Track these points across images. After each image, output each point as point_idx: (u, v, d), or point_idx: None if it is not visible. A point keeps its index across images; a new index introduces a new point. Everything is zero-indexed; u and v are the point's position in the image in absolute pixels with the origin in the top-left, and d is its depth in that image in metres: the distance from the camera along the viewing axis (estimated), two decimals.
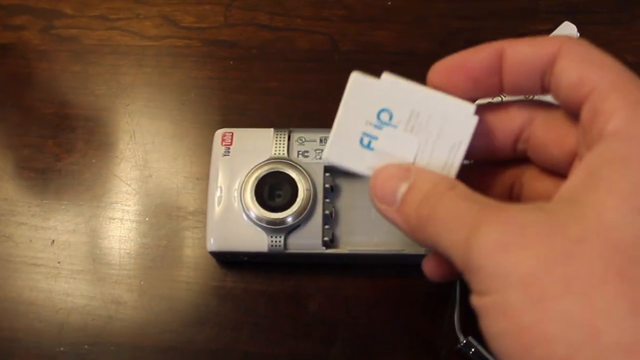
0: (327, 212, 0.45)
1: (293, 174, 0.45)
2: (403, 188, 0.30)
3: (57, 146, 0.52)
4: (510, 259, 0.25)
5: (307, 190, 0.45)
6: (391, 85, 0.32)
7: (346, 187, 0.47)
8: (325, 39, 0.54)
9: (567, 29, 0.52)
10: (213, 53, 0.54)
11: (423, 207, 0.29)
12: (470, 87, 0.31)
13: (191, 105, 0.52)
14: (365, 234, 0.46)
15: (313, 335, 0.46)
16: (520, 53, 0.30)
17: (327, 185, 0.46)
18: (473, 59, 0.31)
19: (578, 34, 0.52)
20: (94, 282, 0.48)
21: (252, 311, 0.47)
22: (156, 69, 0.54)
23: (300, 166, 0.46)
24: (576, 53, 0.29)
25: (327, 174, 0.46)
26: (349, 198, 0.47)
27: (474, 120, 0.31)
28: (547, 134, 0.31)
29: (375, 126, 0.32)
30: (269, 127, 0.47)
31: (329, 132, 0.46)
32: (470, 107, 0.31)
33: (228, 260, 0.48)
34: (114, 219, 0.50)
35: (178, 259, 0.49)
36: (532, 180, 0.33)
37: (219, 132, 0.48)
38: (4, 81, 0.54)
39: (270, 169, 0.45)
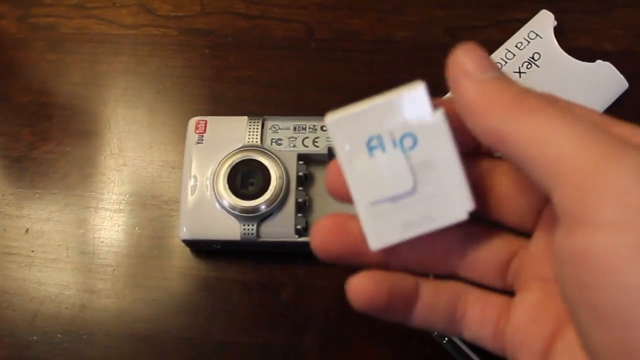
0: (300, 200, 0.45)
1: (266, 161, 0.45)
2: (495, 71, 0.27)
3: (32, 134, 0.51)
4: None
5: (279, 178, 0.45)
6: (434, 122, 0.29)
7: (320, 176, 0.47)
8: (301, 27, 0.53)
9: (545, 17, 0.52)
10: (189, 42, 0.54)
11: (527, 97, 0.25)
12: None
13: (167, 94, 0.52)
14: None
15: (287, 324, 0.46)
16: None
17: (300, 174, 0.45)
18: None
19: (555, 22, 0.51)
20: (68, 271, 0.48)
21: (225, 300, 0.47)
22: (132, 57, 0.53)
23: (274, 154, 0.45)
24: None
25: (300, 162, 0.46)
26: (323, 186, 0.46)
27: (463, 216, 0.29)
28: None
29: (393, 141, 0.29)
30: (245, 115, 0.47)
31: (303, 120, 0.46)
32: (471, 205, 0.29)
33: (201, 248, 0.48)
34: (88, 208, 0.49)
35: (153, 247, 0.48)
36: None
37: (193, 120, 0.47)
38: None
39: (243, 156, 0.45)
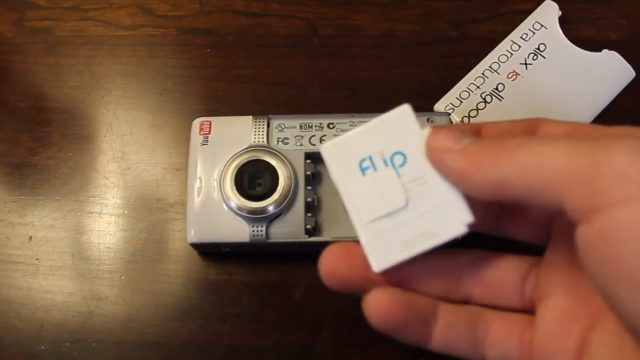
0: (309, 199, 0.44)
1: (273, 161, 0.44)
2: (469, 137, 0.29)
3: (32, 140, 0.50)
4: None
5: (287, 177, 0.44)
6: (422, 140, 0.31)
7: (328, 174, 0.46)
8: (303, 23, 0.53)
9: (549, 7, 0.51)
10: (190, 41, 0.53)
11: (507, 140, 0.27)
12: None
13: (169, 95, 0.51)
14: (348, 221, 0.44)
15: (299, 325, 0.46)
16: None
17: (308, 173, 0.45)
18: None
19: (560, 13, 0.51)
20: (74, 278, 0.47)
21: (236, 303, 0.46)
22: (132, 59, 0.52)
23: (281, 153, 0.45)
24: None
25: (308, 161, 0.45)
26: (331, 185, 0.45)
27: (462, 229, 0.30)
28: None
29: (384, 160, 0.31)
30: (249, 114, 0.46)
31: (309, 118, 0.46)
32: (469, 217, 0.30)
33: (210, 251, 0.47)
34: (92, 213, 0.49)
35: (159, 251, 0.48)
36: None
37: (197, 121, 0.47)
38: None
39: (249, 157, 0.45)
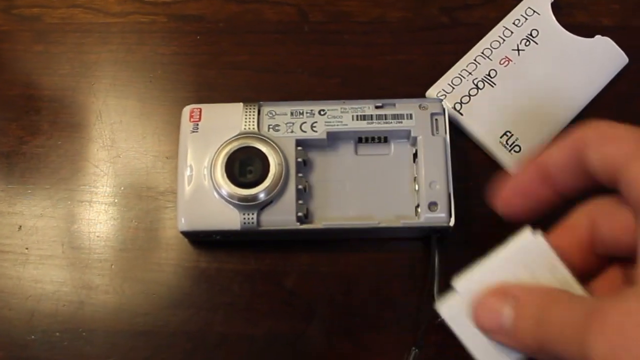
0: (300, 186, 0.44)
1: (264, 148, 0.44)
2: (507, 314, 0.31)
3: (21, 129, 0.50)
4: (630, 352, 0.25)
5: (278, 164, 0.44)
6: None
7: (319, 161, 0.46)
8: (293, 10, 0.52)
9: None
10: (180, 28, 0.52)
11: (537, 331, 0.30)
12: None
13: (158, 82, 0.51)
14: (340, 208, 0.45)
15: (290, 313, 0.45)
16: (553, 159, 0.32)
17: (299, 159, 0.44)
18: (518, 185, 0.34)
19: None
20: (64, 267, 0.47)
21: (227, 291, 0.46)
22: (121, 46, 0.52)
23: (271, 140, 0.44)
24: (595, 137, 0.31)
25: (299, 148, 0.45)
26: (322, 172, 0.46)
27: (540, 239, 0.33)
28: (611, 229, 0.32)
29: None
30: (240, 101, 0.46)
31: (300, 104, 0.46)
32: (528, 233, 0.33)
33: (201, 240, 0.47)
34: (82, 202, 0.48)
35: (150, 240, 0.47)
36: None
37: (187, 109, 0.46)
38: None
39: (240, 144, 0.44)
